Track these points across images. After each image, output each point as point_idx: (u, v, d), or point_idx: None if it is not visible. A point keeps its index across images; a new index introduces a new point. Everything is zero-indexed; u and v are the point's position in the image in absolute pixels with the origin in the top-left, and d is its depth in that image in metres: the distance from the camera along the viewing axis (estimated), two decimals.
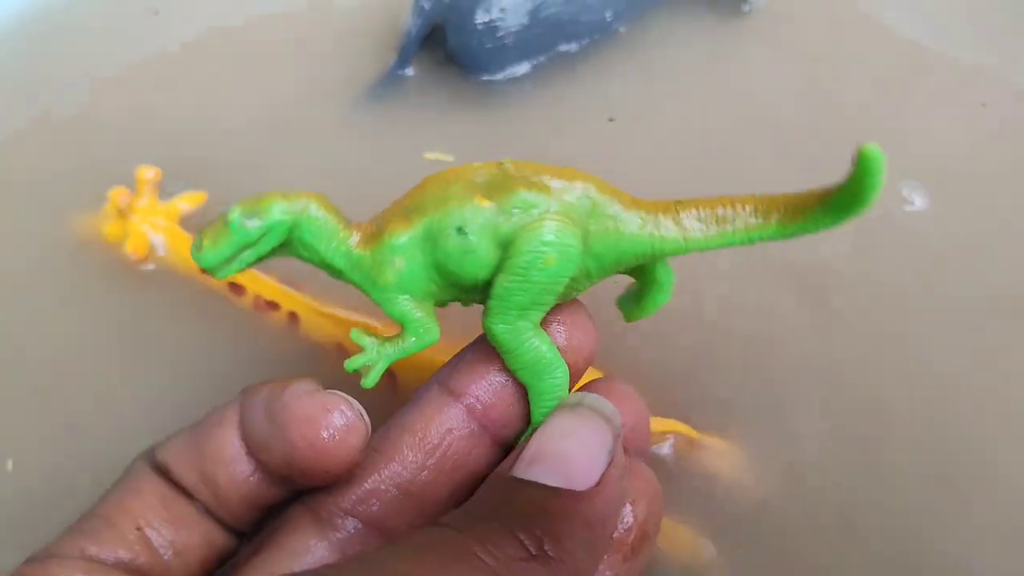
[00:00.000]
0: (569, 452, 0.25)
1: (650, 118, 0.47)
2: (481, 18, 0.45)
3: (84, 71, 0.52)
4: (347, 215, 0.28)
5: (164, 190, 0.45)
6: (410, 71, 0.48)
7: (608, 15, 0.47)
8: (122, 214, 0.43)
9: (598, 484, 0.24)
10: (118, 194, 0.43)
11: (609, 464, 0.25)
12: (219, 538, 0.28)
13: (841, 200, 0.25)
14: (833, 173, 0.42)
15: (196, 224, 0.44)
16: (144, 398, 0.40)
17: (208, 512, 0.28)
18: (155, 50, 0.53)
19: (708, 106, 0.48)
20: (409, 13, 0.47)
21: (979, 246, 0.43)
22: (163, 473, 0.28)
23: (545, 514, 0.23)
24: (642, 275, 0.29)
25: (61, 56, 0.53)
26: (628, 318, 0.31)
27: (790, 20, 0.51)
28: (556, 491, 0.24)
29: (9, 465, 0.38)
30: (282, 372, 0.38)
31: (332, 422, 0.26)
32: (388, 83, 0.48)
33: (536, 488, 0.24)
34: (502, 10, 0.45)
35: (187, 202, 0.45)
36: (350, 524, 0.27)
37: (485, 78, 0.47)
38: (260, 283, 0.42)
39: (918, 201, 0.44)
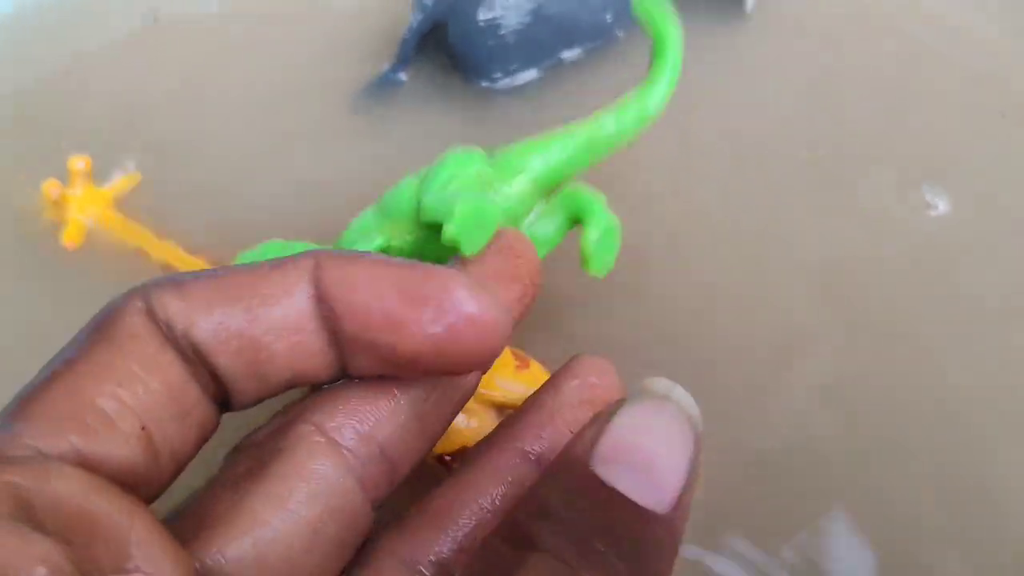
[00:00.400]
0: (658, 464, 0.22)
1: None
2: (484, 15, 0.44)
3: (68, 53, 0.52)
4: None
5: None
6: (404, 76, 0.47)
7: (608, 16, 0.47)
8: (57, 205, 0.44)
9: (675, 507, 0.21)
10: (50, 187, 0.44)
11: (686, 484, 0.22)
12: (212, 422, 0.23)
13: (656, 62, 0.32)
14: (847, 173, 0.44)
15: (133, 205, 0.45)
16: None
17: (210, 393, 0.23)
18: (139, 40, 0.53)
19: (712, 111, 0.47)
20: (410, 11, 0.46)
21: (1002, 250, 0.43)
22: (172, 335, 0.22)
23: (642, 542, 0.21)
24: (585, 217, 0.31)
25: (43, 35, 0.53)
26: (591, 269, 0.31)
27: (796, 21, 0.51)
28: (644, 512, 0.21)
29: None
30: None
31: (500, 320, 0.23)
32: (383, 85, 0.47)
33: (626, 505, 0.21)
34: (504, 8, 0.44)
35: (122, 186, 0.45)
36: (364, 449, 0.24)
37: (484, 84, 0.47)
38: (192, 264, 0.42)
39: (941, 206, 0.44)
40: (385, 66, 0.47)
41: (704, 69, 0.48)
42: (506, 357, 0.35)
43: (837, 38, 0.50)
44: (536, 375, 0.34)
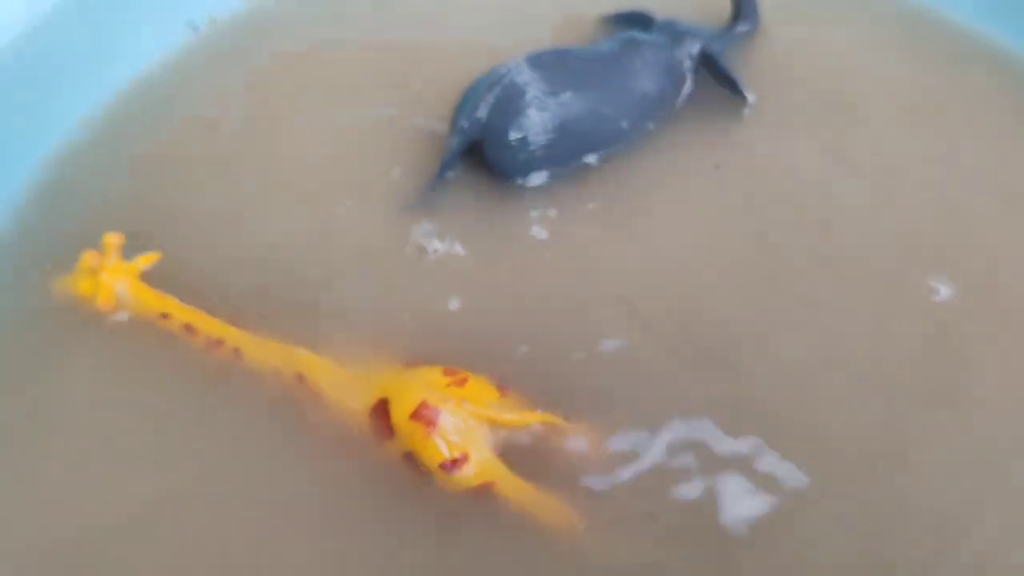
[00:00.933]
0: None
1: (658, 223, 0.51)
2: (514, 135, 0.50)
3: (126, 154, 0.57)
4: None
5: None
6: (451, 175, 0.52)
7: (624, 124, 0.53)
8: (92, 273, 0.48)
9: None
10: (90, 256, 0.49)
11: None
12: None
13: None
14: (856, 259, 0.49)
15: (155, 278, 0.48)
16: (120, 416, 0.45)
17: None
18: (199, 141, 0.57)
19: (722, 207, 0.51)
20: (448, 135, 0.52)
21: (1003, 337, 0.46)
22: None
23: None
24: None
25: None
26: None
27: (798, 119, 0.56)
28: None
29: None
30: (230, 396, 0.44)
31: None
32: (432, 188, 0.52)
33: None
34: (532, 127, 0.50)
35: (144, 261, 0.50)
36: None
37: (519, 182, 0.52)
38: (209, 323, 0.46)
39: (943, 291, 0.47)
40: (433, 174, 0.52)
41: (709, 172, 0.53)
42: (490, 388, 0.42)
43: (841, 135, 0.55)
44: (514, 402, 0.42)
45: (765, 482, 0.41)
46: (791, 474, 0.41)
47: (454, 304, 0.47)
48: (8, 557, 0.40)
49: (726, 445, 0.42)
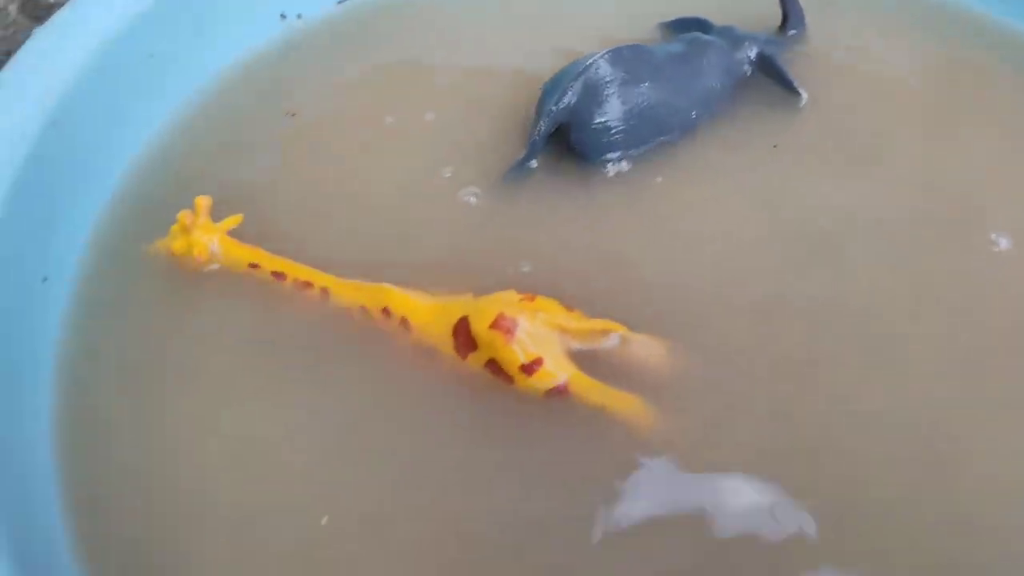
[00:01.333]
0: None
1: (720, 194, 0.55)
2: (598, 119, 0.54)
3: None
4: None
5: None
6: (535, 163, 0.56)
7: (693, 114, 0.57)
8: (186, 230, 0.53)
9: None
10: (185, 215, 0.53)
11: None
12: None
13: None
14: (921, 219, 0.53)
15: (239, 235, 0.53)
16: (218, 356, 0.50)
17: None
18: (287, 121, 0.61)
19: (778, 181, 0.55)
20: (538, 115, 0.56)
21: None
22: None
23: None
24: None
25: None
26: None
27: (850, 102, 0.60)
28: None
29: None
30: (321, 331, 0.49)
31: None
32: (518, 170, 0.56)
33: None
34: (614, 112, 0.54)
35: (231, 222, 0.54)
36: None
37: (599, 161, 0.55)
38: (296, 269, 0.50)
39: (1003, 243, 0.51)
40: (519, 156, 0.56)
41: (765, 147, 0.57)
42: (555, 304, 0.46)
43: (887, 116, 0.59)
44: (579, 315, 0.46)
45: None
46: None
47: (526, 262, 0.50)
48: (147, 492, 0.44)
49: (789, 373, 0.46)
